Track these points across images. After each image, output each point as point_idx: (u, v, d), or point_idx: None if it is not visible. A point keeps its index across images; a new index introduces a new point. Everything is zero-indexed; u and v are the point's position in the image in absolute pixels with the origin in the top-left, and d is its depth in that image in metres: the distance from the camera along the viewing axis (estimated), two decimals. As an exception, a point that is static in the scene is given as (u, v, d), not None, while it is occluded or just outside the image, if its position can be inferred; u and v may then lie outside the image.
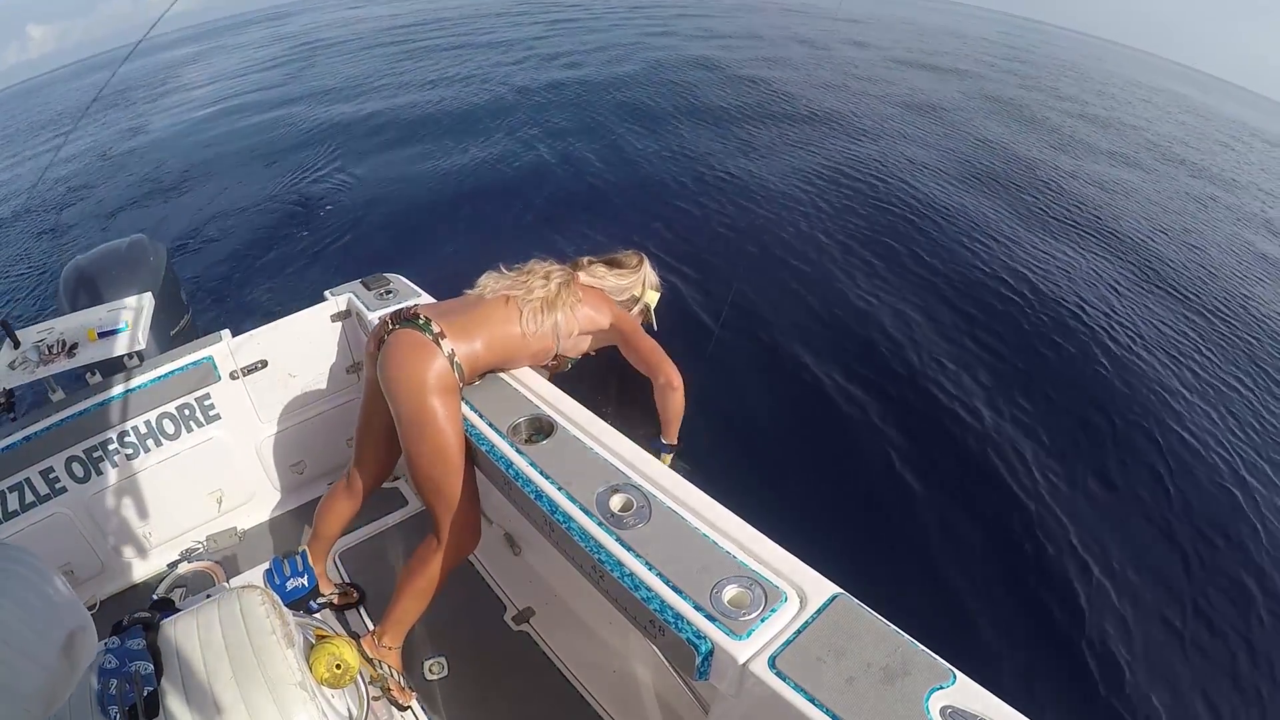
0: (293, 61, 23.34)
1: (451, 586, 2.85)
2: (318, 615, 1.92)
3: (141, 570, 3.04)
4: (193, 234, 9.28)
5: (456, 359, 2.23)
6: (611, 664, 2.54)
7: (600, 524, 1.82)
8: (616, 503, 1.89)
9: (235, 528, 3.19)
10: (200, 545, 3.13)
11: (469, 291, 2.50)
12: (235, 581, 2.11)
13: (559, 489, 1.94)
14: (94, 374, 3.26)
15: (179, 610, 2.01)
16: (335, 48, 24.72)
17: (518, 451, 2.09)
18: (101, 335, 3.04)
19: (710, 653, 1.54)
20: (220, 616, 1.43)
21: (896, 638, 1.49)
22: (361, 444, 2.55)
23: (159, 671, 1.38)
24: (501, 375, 2.45)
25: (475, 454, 2.22)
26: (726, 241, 7.77)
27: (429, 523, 2.30)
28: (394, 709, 2.31)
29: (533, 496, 1.96)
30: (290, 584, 1.96)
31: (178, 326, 4.19)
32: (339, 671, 1.45)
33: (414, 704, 2.38)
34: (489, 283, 2.48)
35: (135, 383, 2.84)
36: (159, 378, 2.87)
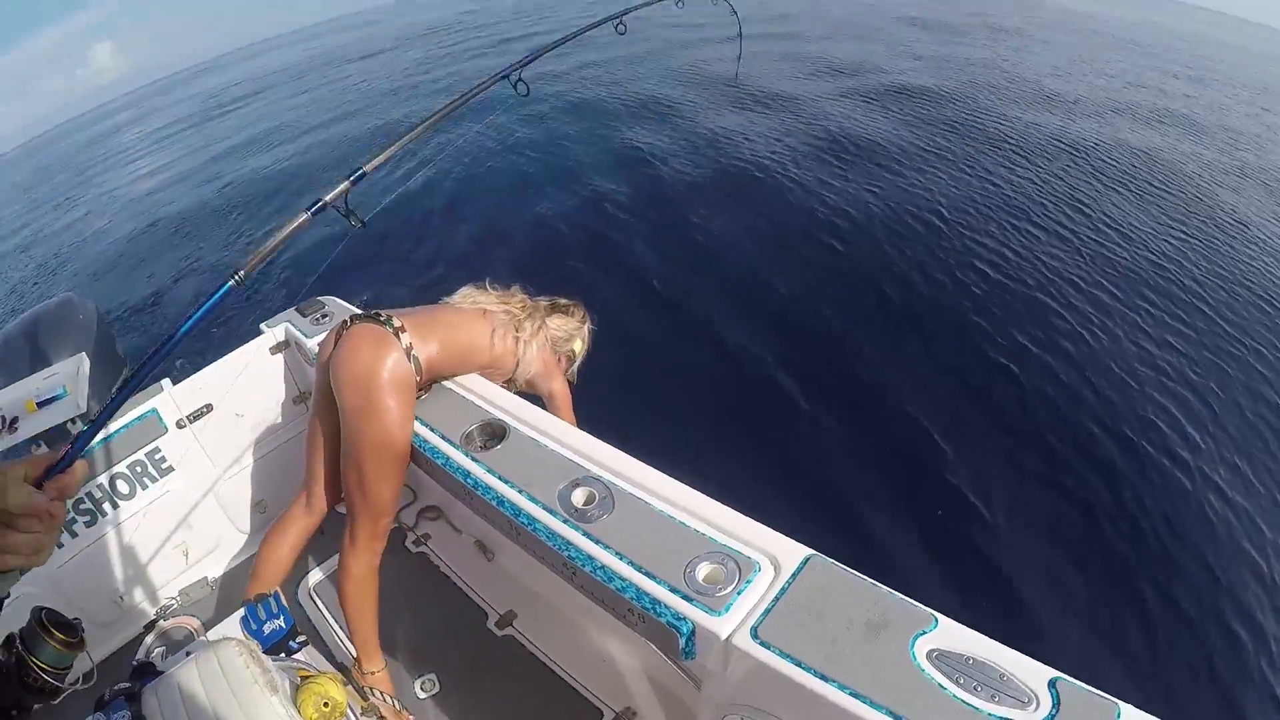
0: (210, 115, 22.98)
1: (430, 601, 2.79)
2: (299, 655, 1.86)
3: (118, 636, 2.90)
4: (118, 288, 8.96)
5: (414, 353, 2.17)
6: (600, 654, 2.51)
7: (565, 520, 1.79)
8: (579, 497, 1.86)
9: (206, 577, 3.08)
10: (174, 600, 3.01)
11: (445, 299, 2.51)
12: (214, 632, 2.03)
13: (520, 492, 1.90)
14: (39, 445, 3.14)
15: (160, 673, 1.94)
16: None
17: (474, 460, 2.04)
18: (41, 404, 2.93)
19: (692, 633, 1.52)
20: (200, 674, 1.36)
21: (874, 590, 1.49)
22: (314, 459, 2.44)
23: (146, 742, 1.32)
24: (446, 384, 2.39)
25: (430, 468, 2.17)
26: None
27: (345, 527, 2.25)
28: None
29: (495, 504, 1.91)
30: (268, 627, 1.88)
31: (118, 382, 4.04)
32: (327, 710, 1.39)
33: None
34: (471, 293, 2.50)
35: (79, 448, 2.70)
36: (105, 439, 2.73)
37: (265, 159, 13.53)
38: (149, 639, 2.82)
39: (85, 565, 2.74)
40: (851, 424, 4.98)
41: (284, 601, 1.95)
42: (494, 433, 2.16)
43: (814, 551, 1.61)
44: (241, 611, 1.98)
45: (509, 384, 2.50)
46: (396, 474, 2.17)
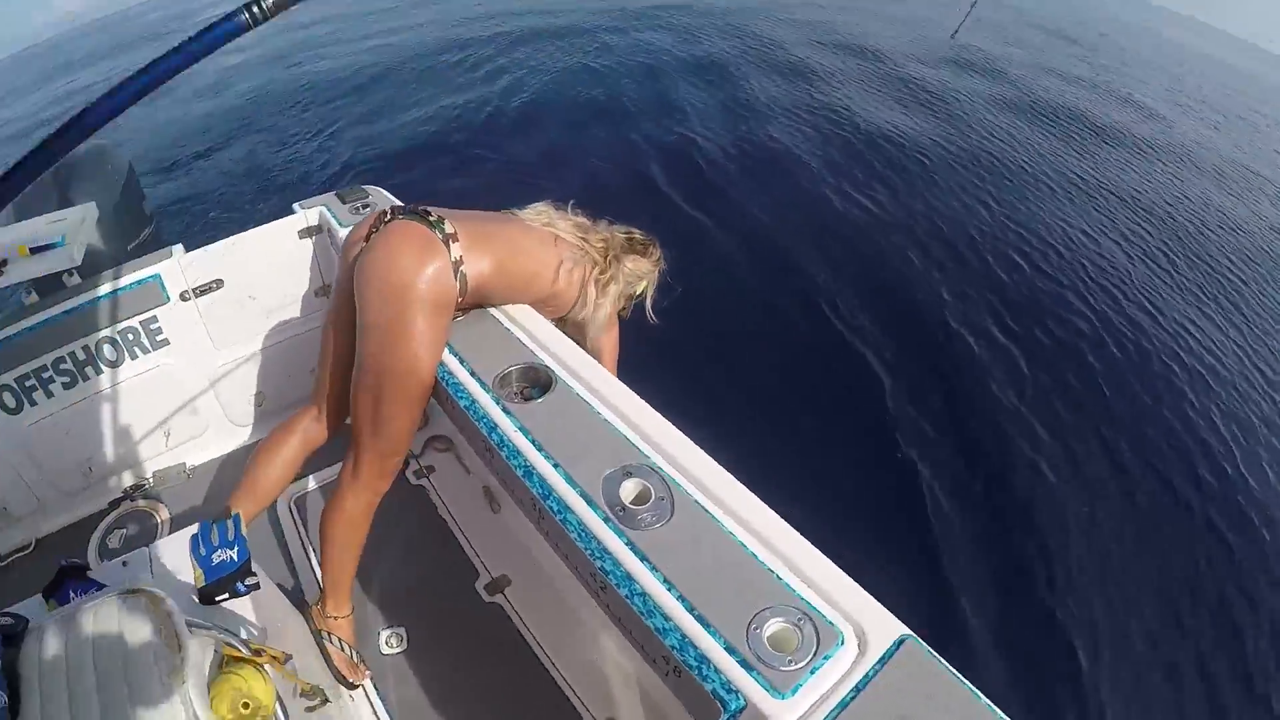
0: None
1: (419, 545, 2.46)
2: (248, 599, 1.55)
3: (83, 508, 2.68)
4: (176, 146, 8.57)
5: (463, 269, 1.79)
6: (595, 654, 2.17)
7: (606, 519, 1.40)
8: (629, 491, 1.46)
9: (185, 464, 2.81)
10: (147, 482, 2.76)
11: (514, 211, 2.09)
12: (163, 544, 1.73)
13: (556, 467, 1.51)
14: (29, 293, 2.88)
15: (90, 578, 1.65)
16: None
17: (506, 412, 1.65)
18: (35, 250, 2.64)
19: (741, 711, 1.15)
20: (95, 631, 1.05)
21: (967, 696, 1.12)
22: (326, 369, 2.07)
23: (14, 704, 1.02)
24: (491, 311, 2.00)
25: (450, 407, 1.82)
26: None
27: (348, 453, 1.89)
28: (342, 688, 1.96)
29: (520, 473, 1.53)
30: (217, 557, 1.56)
31: (137, 240, 3.74)
32: (247, 713, 1.06)
33: (367, 683, 2.04)
34: (548, 212, 2.07)
35: (73, 303, 2.42)
36: (100, 298, 2.45)
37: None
38: (111, 517, 2.64)
39: (58, 428, 2.51)
40: (969, 474, 4.39)
41: (244, 530, 1.63)
42: (537, 380, 1.78)
43: (909, 631, 1.22)
44: (195, 528, 1.68)
45: (559, 323, 2.12)
46: (416, 407, 1.82)
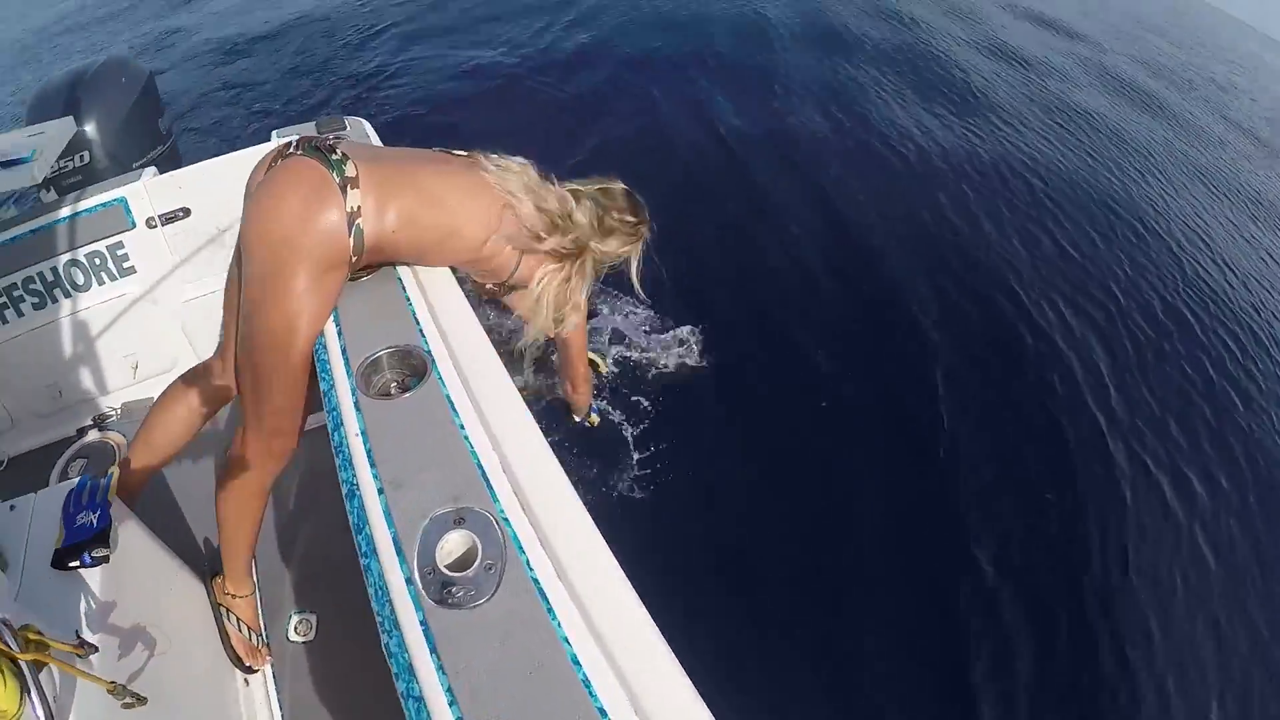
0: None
1: (342, 521, 2.32)
2: (95, 568, 1.41)
3: (53, 431, 2.67)
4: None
5: (359, 222, 1.45)
6: None
7: (408, 580, 1.02)
8: (452, 547, 1.07)
9: (152, 399, 2.72)
10: (115, 412, 2.73)
11: (477, 154, 1.68)
12: (43, 495, 1.60)
13: (380, 492, 1.14)
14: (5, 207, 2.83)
15: None
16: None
17: (355, 406, 1.30)
18: (2, 164, 2.55)
19: None
20: None
21: None
22: (231, 320, 1.75)
23: None
24: (398, 271, 1.64)
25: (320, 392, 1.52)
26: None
27: (239, 427, 1.62)
28: (238, 671, 1.81)
29: (345, 489, 1.21)
30: (80, 518, 1.42)
31: (143, 160, 3.64)
32: None
33: (266, 669, 1.87)
34: (519, 175, 1.65)
35: (41, 222, 2.39)
36: (66, 218, 2.41)
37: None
38: (75, 447, 2.61)
39: (27, 348, 2.52)
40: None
41: (110, 493, 1.49)
42: (415, 370, 1.39)
43: None
44: (76, 482, 1.55)
45: (498, 288, 1.78)
46: (295, 384, 1.53)
